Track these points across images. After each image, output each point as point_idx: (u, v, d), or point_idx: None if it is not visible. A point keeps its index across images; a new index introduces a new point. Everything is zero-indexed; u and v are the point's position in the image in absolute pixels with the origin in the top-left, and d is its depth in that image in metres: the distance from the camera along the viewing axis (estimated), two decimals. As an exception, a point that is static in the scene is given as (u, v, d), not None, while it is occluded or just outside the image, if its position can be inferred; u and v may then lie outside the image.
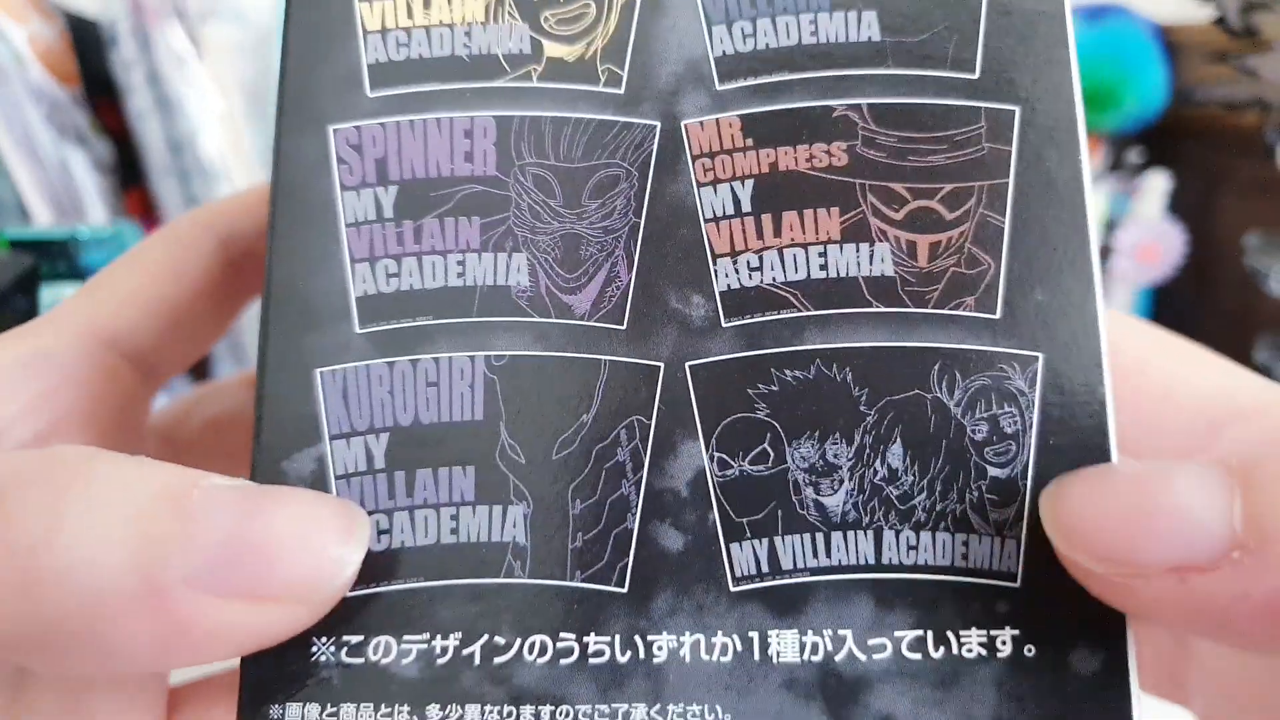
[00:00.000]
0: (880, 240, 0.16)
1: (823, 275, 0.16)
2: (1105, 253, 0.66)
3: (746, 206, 0.16)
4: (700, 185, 0.16)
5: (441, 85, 0.16)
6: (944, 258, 0.16)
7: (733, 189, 0.16)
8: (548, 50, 0.16)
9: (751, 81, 0.16)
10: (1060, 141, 0.16)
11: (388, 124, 0.16)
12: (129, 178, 0.58)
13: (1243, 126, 0.61)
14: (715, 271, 0.16)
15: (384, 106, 0.16)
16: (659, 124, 0.16)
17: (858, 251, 0.16)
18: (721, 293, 0.16)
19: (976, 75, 0.16)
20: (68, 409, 0.16)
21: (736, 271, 0.16)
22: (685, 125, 0.16)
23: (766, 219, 0.16)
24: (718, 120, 0.16)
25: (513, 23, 0.16)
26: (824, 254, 0.16)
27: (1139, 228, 0.64)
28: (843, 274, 0.16)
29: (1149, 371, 0.17)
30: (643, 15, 0.16)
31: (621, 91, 0.16)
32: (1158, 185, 0.66)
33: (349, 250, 0.16)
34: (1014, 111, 0.16)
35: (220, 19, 0.56)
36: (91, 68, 0.56)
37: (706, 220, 0.16)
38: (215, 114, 0.56)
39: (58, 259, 0.44)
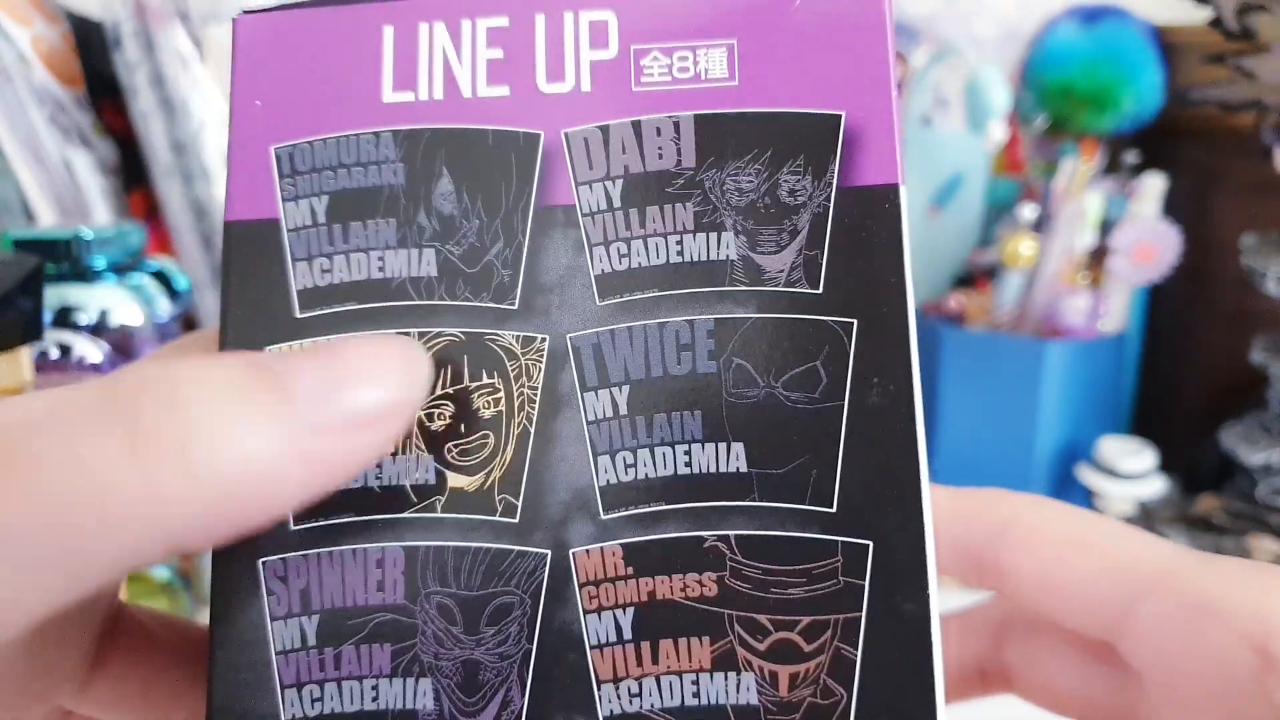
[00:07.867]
0: (746, 670, 0.17)
1: (695, 703, 0.17)
2: (1102, 253, 0.67)
3: (628, 634, 0.17)
4: (586, 612, 0.17)
5: (355, 517, 0.17)
6: (802, 688, 0.17)
7: (615, 616, 0.17)
8: (450, 481, 0.17)
9: (632, 511, 0.17)
10: (909, 579, 0.16)
11: (309, 555, 0.17)
12: (132, 179, 0.58)
13: (1239, 127, 0.61)
14: (599, 697, 0.17)
15: (306, 539, 0.17)
16: (550, 552, 0.17)
17: (726, 680, 0.17)
18: (605, 717, 0.17)
19: (834, 509, 0.17)
20: None
21: (619, 697, 0.17)
22: (573, 554, 0.17)
23: (645, 646, 0.17)
24: (602, 549, 0.17)
25: (419, 454, 0.18)
26: (696, 682, 0.17)
27: (1136, 228, 0.64)
28: (713, 702, 0.17)
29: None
30: (536, 445, 0.17)
31: (516, 520, 0.17)
32: (1154, 186, 0.66)
33: (279, 677, 0.17)
34: (868, 546, 0.17)
35: (223, 21, 0.56)
36: (95, 69, 0.57)
37: (591, 647, 0.17)
38: (218, 115, 0.56)
39: (62, 259, 0.44)
